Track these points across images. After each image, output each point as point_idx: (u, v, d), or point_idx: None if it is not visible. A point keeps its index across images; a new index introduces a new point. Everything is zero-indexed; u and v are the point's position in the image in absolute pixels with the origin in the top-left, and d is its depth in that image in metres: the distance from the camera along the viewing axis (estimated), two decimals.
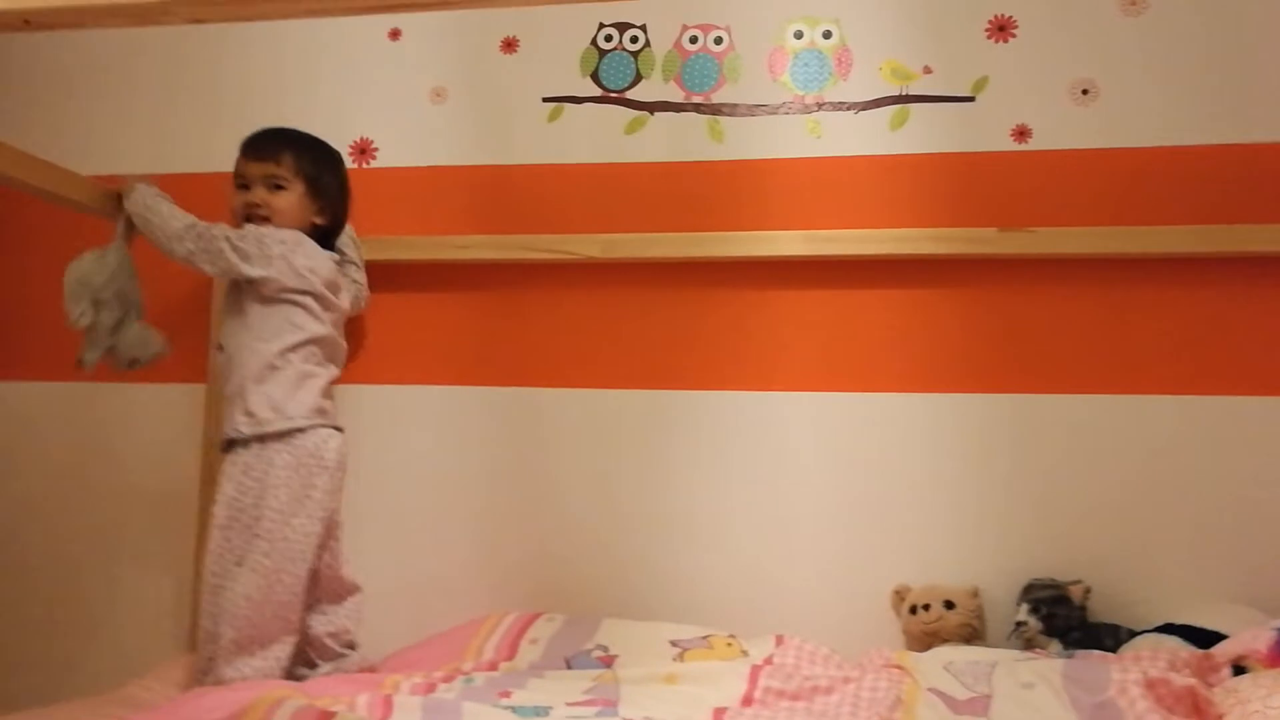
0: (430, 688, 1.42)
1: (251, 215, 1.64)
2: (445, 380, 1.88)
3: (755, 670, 1.45)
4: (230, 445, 1.56)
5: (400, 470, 1.86)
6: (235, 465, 1.54)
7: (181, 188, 1.96)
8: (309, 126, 1.97)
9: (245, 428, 1.54)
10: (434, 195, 1.92)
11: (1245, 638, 1.35)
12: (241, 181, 1.66)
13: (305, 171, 1.67)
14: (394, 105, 1.95)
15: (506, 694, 1.37)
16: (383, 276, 1.90)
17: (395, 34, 1.97)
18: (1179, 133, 1.73)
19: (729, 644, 1.59)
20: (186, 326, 1.94)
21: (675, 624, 1.66)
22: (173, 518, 1.90)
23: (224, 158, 2.00)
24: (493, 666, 1.56)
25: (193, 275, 1.93)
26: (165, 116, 2.03)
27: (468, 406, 1.86)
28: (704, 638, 1.60)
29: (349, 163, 1.95)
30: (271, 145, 1.67)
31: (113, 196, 1.68)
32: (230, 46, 2.02)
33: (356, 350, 1.91)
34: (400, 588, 1.81)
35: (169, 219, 1.61)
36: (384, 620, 1.72)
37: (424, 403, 1.88)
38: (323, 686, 1.40)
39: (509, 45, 1.93)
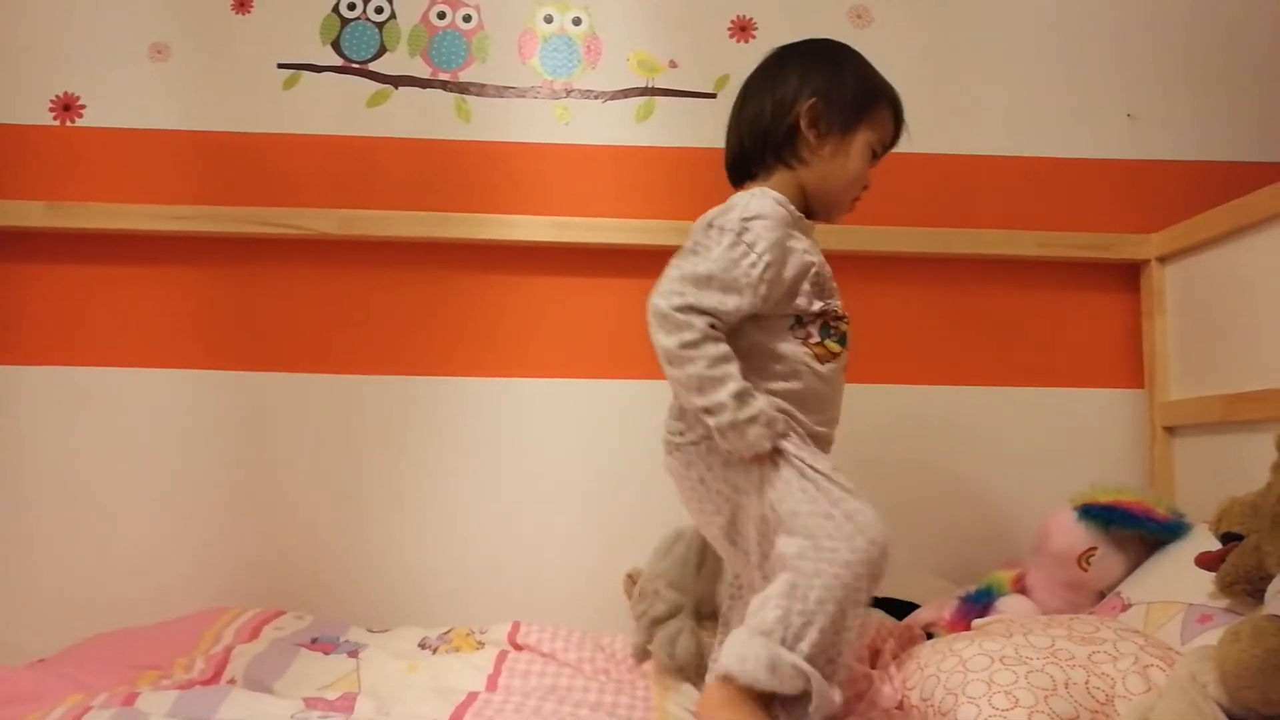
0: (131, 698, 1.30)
1: (855, 197, 1.34)
2: (159, 363, 1.73)
3: (501, 655, 1.43)
4: None
5: (106, 459, 1.70)
6: None
7: None
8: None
9: None
10: (152, 161, 1.76)
11: (934, 606, 1.45)
12: (876, 152, 1.33)
13: None
14: (106, 59, 1.78)
15: None
16: (90, 247, 1.73)
17: None
18: (901, 141, 1.84)
19: (467, 634, 1.55)
20: None
21: (423, 628, 1.58)
22: None
23: None
24: (227, 653, 1.44)
25: None
26: None
27: (186, 391, 1.72)
28: (446, 633, 1.55)
29: (50, 120, 1.77)
30: None
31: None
32: None
33: (53, 328, 1.73)
34: (102, 579, 1.67)
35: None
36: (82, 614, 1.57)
37: (136, 386, 1.72)
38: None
39: (242, 5, 1.81)
